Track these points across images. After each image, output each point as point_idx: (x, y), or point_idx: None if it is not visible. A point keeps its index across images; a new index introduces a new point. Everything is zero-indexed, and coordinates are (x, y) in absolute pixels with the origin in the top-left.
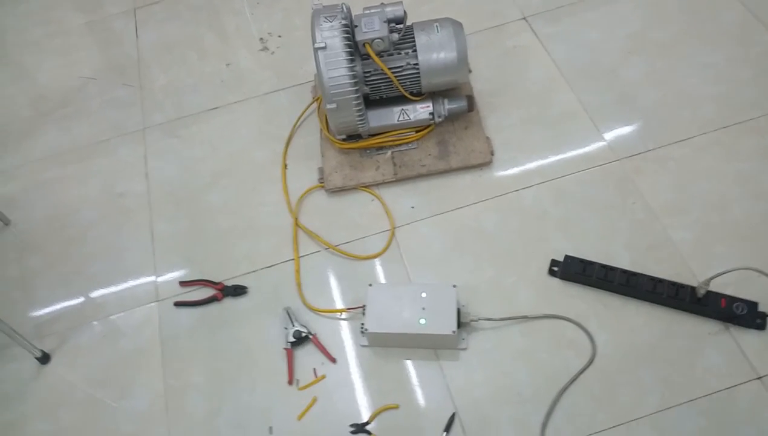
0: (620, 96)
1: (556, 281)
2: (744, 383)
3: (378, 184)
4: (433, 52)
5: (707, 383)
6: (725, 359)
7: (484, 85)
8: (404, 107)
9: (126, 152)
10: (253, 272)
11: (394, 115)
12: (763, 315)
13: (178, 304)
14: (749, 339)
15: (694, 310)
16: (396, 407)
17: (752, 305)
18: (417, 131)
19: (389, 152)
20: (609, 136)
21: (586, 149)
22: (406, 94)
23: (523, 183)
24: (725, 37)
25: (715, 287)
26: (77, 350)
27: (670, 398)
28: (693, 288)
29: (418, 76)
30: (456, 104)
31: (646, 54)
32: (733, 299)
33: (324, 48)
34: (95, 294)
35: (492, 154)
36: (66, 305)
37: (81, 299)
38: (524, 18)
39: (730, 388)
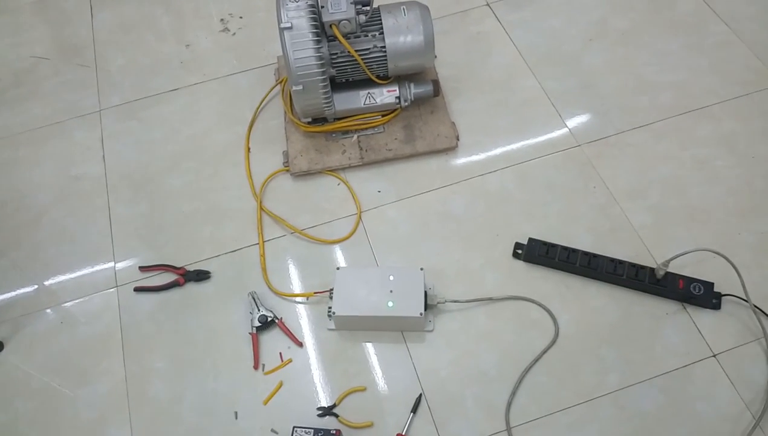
0: (581, 82)
1: (520, 263)
2: (700, 360)
3: (344, 168)
4: (400, 35)
5: (666, 362)
6: (683, 338)
7: (448, 71)
8: (370, 91)
9: (82, 135)
10: (217, 256)
11: (360, 98)
12: (718, 295)
13: (138, 289)
14: (705, 318)
15: (653, 290)
16: (363, 390)
17: (708, 286)
18: (383, 115)
19: (355, 136)
20: (571, 121)
21: (549, 134)
22: (373, 78)
23: (488, 167)
24: (682, 26)
25: (673, 268)
26: (32, 337)
27: (630, 376)
28: (652, 269)
29: (385, 60)
30: (422, 88)
31: (607, 41)
32: (690, 280)
33: (290, 28)
34: (51, 280)
35: (457, 138)
36: (20, 292)
37: (35, 286)
38: (488, 4)
39: (687, 366)
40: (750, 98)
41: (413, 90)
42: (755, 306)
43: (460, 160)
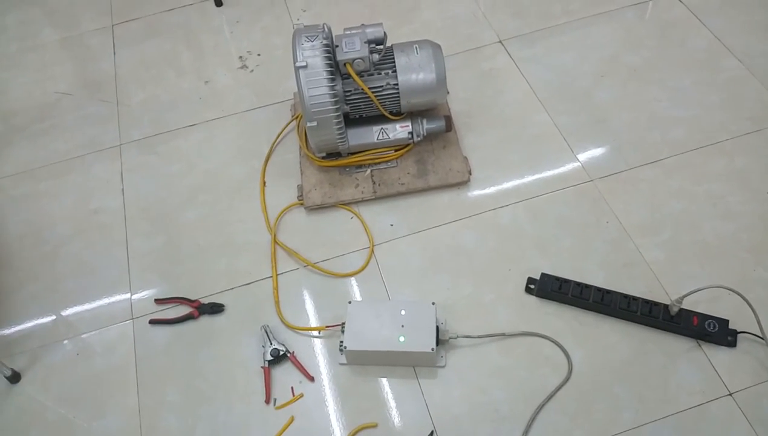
0: (593, 118)
1: (533, 298)
2: (716, 399)
3: (357, 202)
4: (412, 73)
5: (680, 400)
6: (698, 376)
7: (461, 106)
8: (384, 126)
9: (102, 168)
10: (231, 289)
11: (374, 133)
12: (733, 332)
13: (153, 322)
14: (721, 356)
15: (668, 327)
16: (374, 426)
17: (723, 323)
18: (396, 150)
19: (368, 170)
20: (583, 156)
21: (561, 169)
22: (386, 114)
23: (500, 202)
24: (694, 62)
25: (688, 305)
26: (49, 369)
27: (644, 415)
28: (666, 306)
29: (398, 96)
30: (434, 124)
31: (618, 77)
32: (704, 317)
33: (305, 67)
34: (68, 312)
35: (470, 173)
36: (38, 322)
37: (53, 317)
38: (500, 41)
39: (702, 404)
40: (762, 134)
41: (426, 125)
42: None
43: (472, 195)
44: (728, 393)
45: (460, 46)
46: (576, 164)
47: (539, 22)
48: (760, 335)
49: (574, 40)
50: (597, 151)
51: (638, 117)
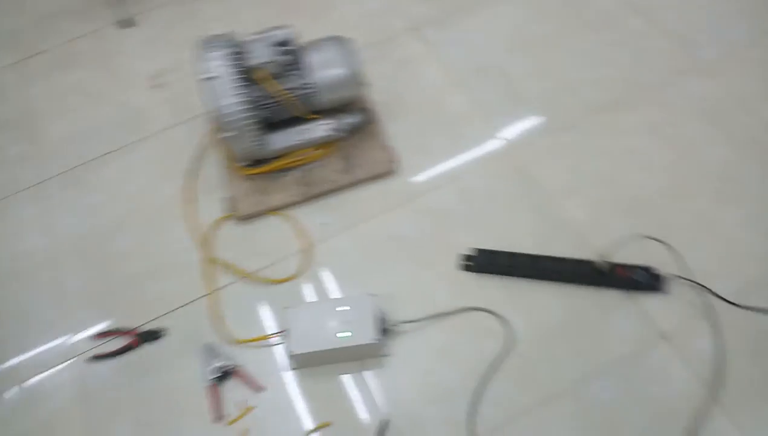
0: (509, 92)
1: (469, 275)
2: (652, 343)
3: (288, 206)
4: (326, 70)
5: (618, 350)
6: (632, 325)
7: (381, 96)
8: (305, 126)
9: (25, 209)
10: (169, 312)
11: (296, 135)
12: (661, 278)
13: (94, 358)
14: (651, 302)
15: (598, 283)
16: (329, 424)
17: (647, 269)
18: (321, 149)
19: (295, 173)
20: (503, 131)
21: (484, 146)
22: (304, 115)
23: (429, 186)
24: (600, 23)
25: (616, 258)
26: None
27: (587, 370)
28: (594, 263)
29: (315, 95)
30: (355, 118)
31: (529, 49)
32: (632, 267)
33: (213, 77)
34: (6, 361)
35: (395, 162)
36: None
37: None
38: (414, 28)
39: (640, 351)
40: (670, 87)
41: (347, 120)
42: (697, 283)
43: (402, 183)
44: (663, 337)
45: (373, 36)
46: (497, 139)
47: (450, 5)
48: (685, 276)
49: (483, 20)
50: (517, 124)
51: (551, 84)
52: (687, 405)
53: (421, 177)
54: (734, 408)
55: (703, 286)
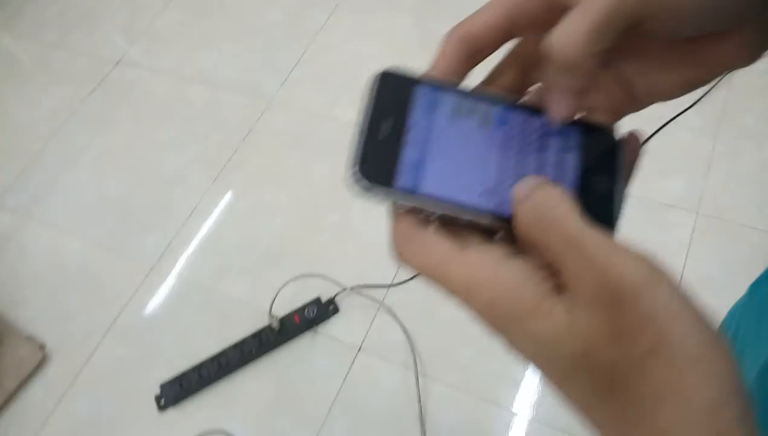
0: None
1: (171, 411)
2: (355, 361)
3: None
4: None
5: (332, 385)
6: (331, 356)
7: None
8: None
9: None
10: None
11: None
12: (329, 302)
13: None
14: (334, 327)
15: (284, 340)
16: None
17: (316, 301)
18: None
19: None
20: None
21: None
22: None
23: (86, 350)
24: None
25: (283, 310)
26: None
27: (310, 425)
28: (270, 326)
29: None
30: None
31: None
32: (302, 309)
33: None
34: None
35: (43, 346)
36: None
37: None
38: None
39: (347, 373)
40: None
41: None
42: (352, 287)
43: (57, 368)
44: (359, 349)
45: None
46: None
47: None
48: (341, 288)
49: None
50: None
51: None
52: (406, 399)
53: (76, 345)
54: (433, 372)
55: (361, 286)
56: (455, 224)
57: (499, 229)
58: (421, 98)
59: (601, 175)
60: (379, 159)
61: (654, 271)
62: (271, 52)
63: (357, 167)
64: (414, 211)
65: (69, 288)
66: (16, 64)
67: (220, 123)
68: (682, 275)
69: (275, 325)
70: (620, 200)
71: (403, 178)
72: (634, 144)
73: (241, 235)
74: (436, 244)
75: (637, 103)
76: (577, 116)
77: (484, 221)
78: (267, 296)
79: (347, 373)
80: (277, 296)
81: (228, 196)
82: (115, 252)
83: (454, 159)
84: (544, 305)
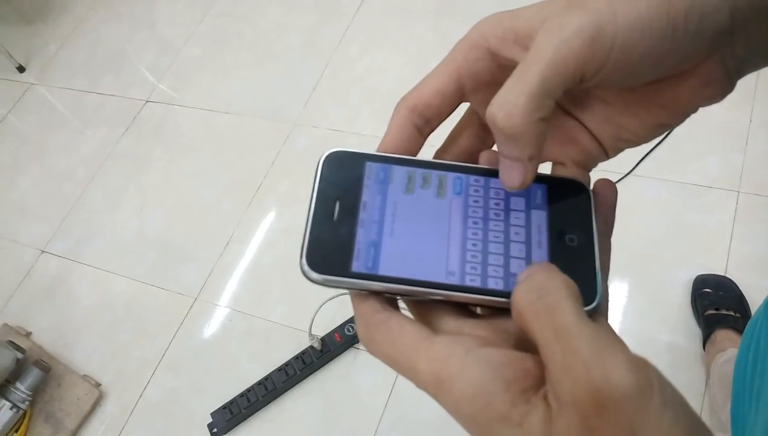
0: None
1: None
2: (398, 375)
3: None
4: None
5: (375, 402)
6: (374, 372)
7: (48, 333)
8: None
9: None
10: None
11: None
12: None
13: None
14: None
15: (327, 360)
16: None
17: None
18: (17, 429)
19: None
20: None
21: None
22: None
23: (138, 381)
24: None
25: (324, 330)
26: None
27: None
28: (311, 347)
29: None
30: (31, 377)
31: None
32: (342, 327)
33: None
34: None
35: (99, 385)
36: None
37: None
38: (40, 250)
39: (395, 384)
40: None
41: (21, 387)
42: None
43: (115, 401)
44: None
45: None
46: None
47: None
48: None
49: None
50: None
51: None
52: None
53: (129, 381)
54: None
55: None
56: (425, 300)
57: (475, 305)
58: (371, 175)
59: (574, 232)
60: (331, 246)
61: (646, 380)
62: (291, 74)
63: (305, 260)
64: (378, 293)
65: (118, 325)
66: (53, 113)
67: (249, 149)
68: (728, 259)
69: (317, 345)
70: (599, 254)
71: (359, 263)
72: (606, 192)
73: (277, 258)
74: (401, 333)
75: (607, 152)
76: (547, 170)
77: (456, 299)
78: (307, 317)
79: (392, 387)
80: (316, 315)
81: (262, 221)
82: (159, 287)
83: (414, 236)
84: (514, 413)
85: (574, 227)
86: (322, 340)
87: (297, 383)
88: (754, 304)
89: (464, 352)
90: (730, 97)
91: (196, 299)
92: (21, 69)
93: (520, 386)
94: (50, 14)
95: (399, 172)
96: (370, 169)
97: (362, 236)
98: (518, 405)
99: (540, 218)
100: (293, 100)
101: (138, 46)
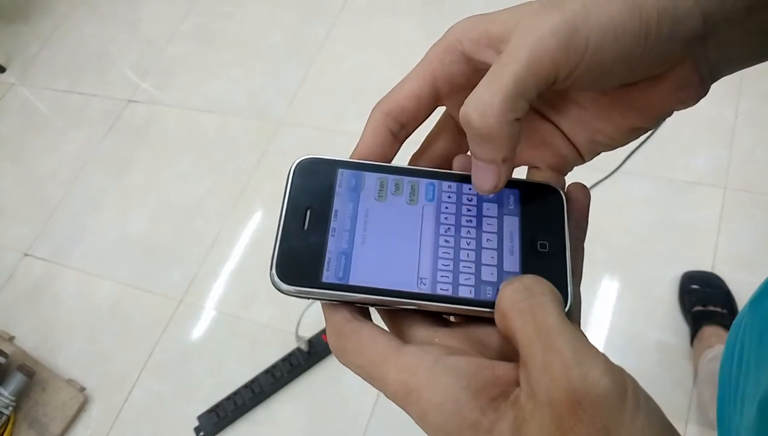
0: None
1: None
2: None
3: None
4: None
5: (365, 404)
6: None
7: (32, 337)
8: None
9: None
10: None
11: None
12: None
13: None
14: None
15: (314, 361)
16: None
17: None
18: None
19: None
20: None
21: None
22: None
23: (123, 388)
24: None
25: (309, 330)
26: None
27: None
28: (299, 348)
29: None
30: (15, 382)
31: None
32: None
33: None
34: None
35: (84, 388)
36: None
37: None
38: (24, 253)
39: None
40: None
41: (5, 392)
42: None
43: (101, 406)
44: None
45: None
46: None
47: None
48: None
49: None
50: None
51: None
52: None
53: (114, 384)
54: None
55: None
56: (397, 310)
57: (447, 314)
58: (343, 183)
59: (546, 237)
60: (301, 256)
61: (622, 383)
62: (276, 73)
63: (275, 271)
64: (349, 302)
65: (103, 329)
66: (35, 114)
67: (233, 149)
68: (715, 255)
69: (304, 346)
70: (570, 259)
71: (330, 273)
72: (578, 197)
73: (263, 259)
74: (371, 343)
75: (582, 155)
76: (522, 174)
77: (427, 308)
78: (294, 319)
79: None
80: (303, 316)
81: (248, 222)
82: (144, 289)
83: (385, 244)
84: (483, 420)
85: (547, 232)
86: (309, 341)
87: (284, 385)
88: (741, 300)
89: (433, 361)
90: (716, 93)
91: (181, 301)
92: (2, 69)
93: (489, 393)
94: (31, 14)
95: (371, 179)
96: (342, 176)
97: (333, 245)
98: (487, 413)
99: (512, 224)
100: (278, 99)
101: (120, 45)
